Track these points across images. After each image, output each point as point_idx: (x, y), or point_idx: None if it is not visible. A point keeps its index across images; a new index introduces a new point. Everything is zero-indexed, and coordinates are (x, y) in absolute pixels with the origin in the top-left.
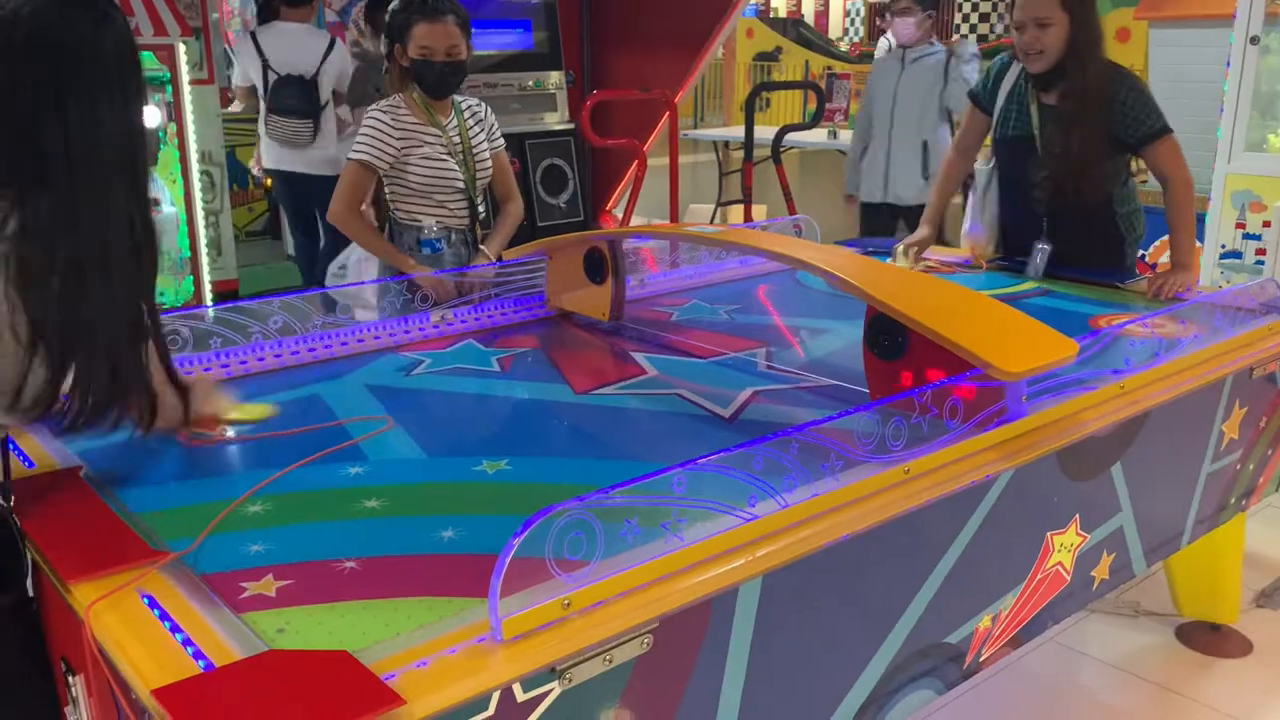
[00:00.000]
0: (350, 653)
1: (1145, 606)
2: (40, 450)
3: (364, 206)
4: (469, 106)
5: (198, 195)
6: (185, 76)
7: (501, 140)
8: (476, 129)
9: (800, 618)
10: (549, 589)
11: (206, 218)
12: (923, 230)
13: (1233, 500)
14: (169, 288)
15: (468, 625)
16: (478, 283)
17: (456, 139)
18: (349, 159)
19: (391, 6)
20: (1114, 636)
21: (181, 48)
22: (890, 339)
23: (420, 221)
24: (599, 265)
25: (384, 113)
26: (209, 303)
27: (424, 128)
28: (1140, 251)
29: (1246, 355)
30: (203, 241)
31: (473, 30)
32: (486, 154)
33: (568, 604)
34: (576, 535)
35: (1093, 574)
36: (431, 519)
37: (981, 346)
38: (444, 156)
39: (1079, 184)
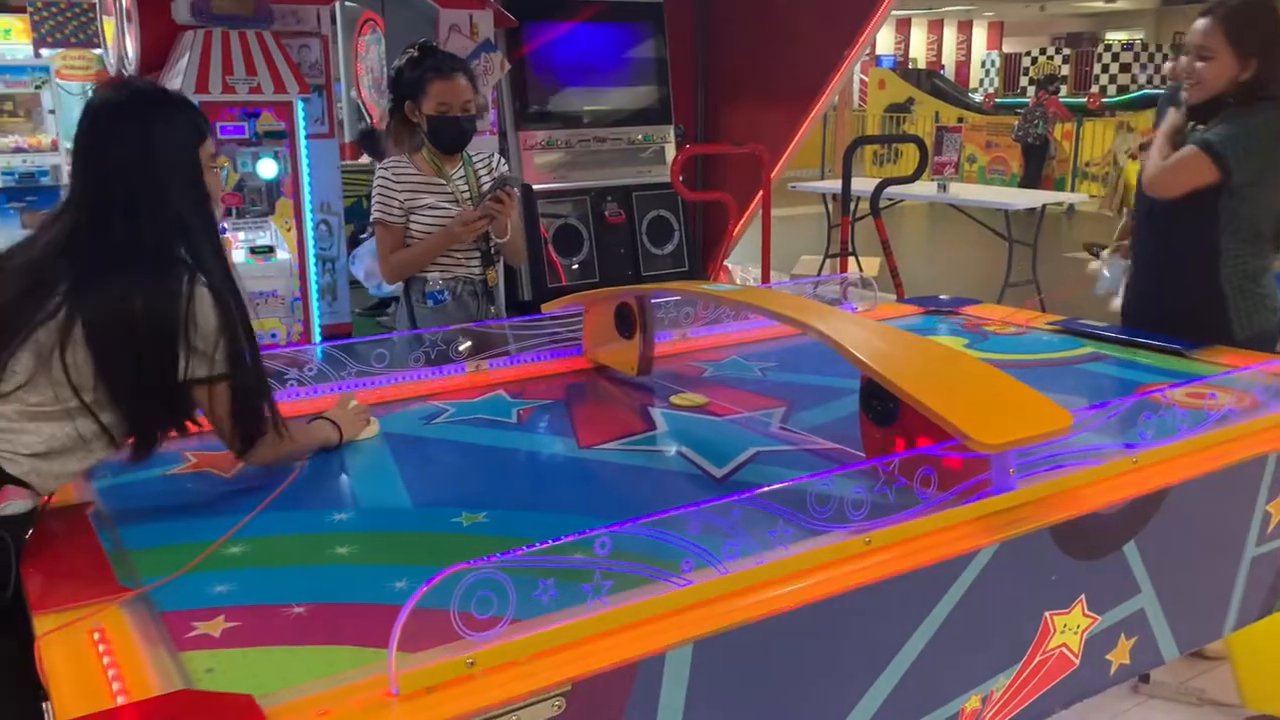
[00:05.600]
0: (256, 698)
1: (1210, 695)
2: (66, 487)
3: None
4: (479, 155)
5: (310, 242)
6: (302, 131)
7: (514, 180)
8: (486, 176)
9: (742, 692)
10: (455, 647)
11: (323, 264)
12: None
13: None
14: (280, 329)
15: (373, 677)
16: (514, 335)
17: (464, 188)
18: (370, 221)
19: (397, 64)
20: None
21: (299, 105)
22: (882, 404)
23: (426, 273)
24: (628, 320)
25: (386, 169)
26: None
27: (428, 180)
28: None
29: None
30: (313, 287)
31: (589, 86)
32: None
33: (472, 662)
34: (485, 594)
35: (1108, 658)
36: (391, 568)
37: (962, 416)
38: (448, 205)
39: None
